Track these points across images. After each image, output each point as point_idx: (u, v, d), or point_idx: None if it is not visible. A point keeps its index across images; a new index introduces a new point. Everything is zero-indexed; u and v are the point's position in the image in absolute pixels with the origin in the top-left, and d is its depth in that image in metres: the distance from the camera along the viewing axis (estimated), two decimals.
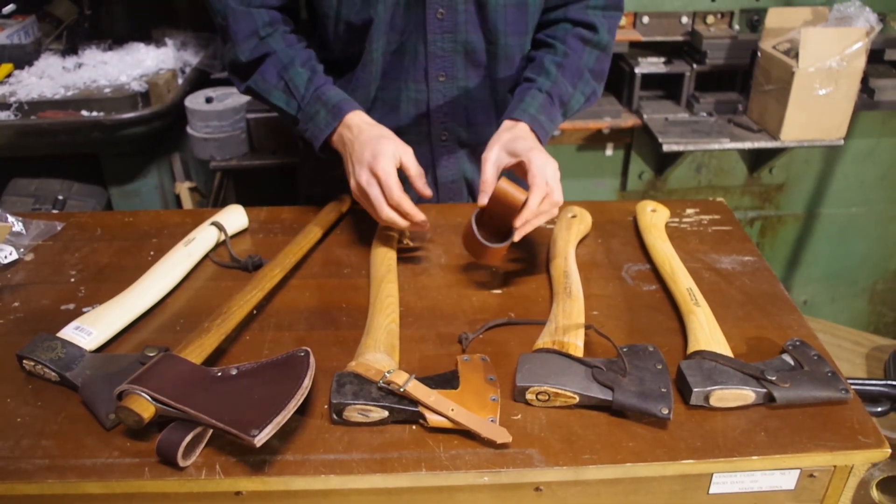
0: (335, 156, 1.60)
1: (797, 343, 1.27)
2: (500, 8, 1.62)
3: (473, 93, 1.75)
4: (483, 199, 1.44)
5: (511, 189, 1.43)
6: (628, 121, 2.98)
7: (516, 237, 1.42)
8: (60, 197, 2.83)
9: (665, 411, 1.12)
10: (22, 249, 1.56)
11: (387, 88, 1.72)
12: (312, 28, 1.75)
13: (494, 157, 1.46)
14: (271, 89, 1.62)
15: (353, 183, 1.52)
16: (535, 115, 1.57)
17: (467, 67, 1.70)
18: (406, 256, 1.57)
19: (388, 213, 1.47)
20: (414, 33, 1.63)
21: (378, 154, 1.47)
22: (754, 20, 2.97)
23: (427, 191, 1.54)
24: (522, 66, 1.75)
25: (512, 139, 1.48)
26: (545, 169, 1.42)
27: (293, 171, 2.74)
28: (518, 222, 1.41)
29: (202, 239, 1.55)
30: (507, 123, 1.56)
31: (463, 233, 1.50)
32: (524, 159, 1.43)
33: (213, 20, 1.65)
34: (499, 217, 1.46)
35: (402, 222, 1.49)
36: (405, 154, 1.51)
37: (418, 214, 1.49)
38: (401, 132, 1.75)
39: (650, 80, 3.04)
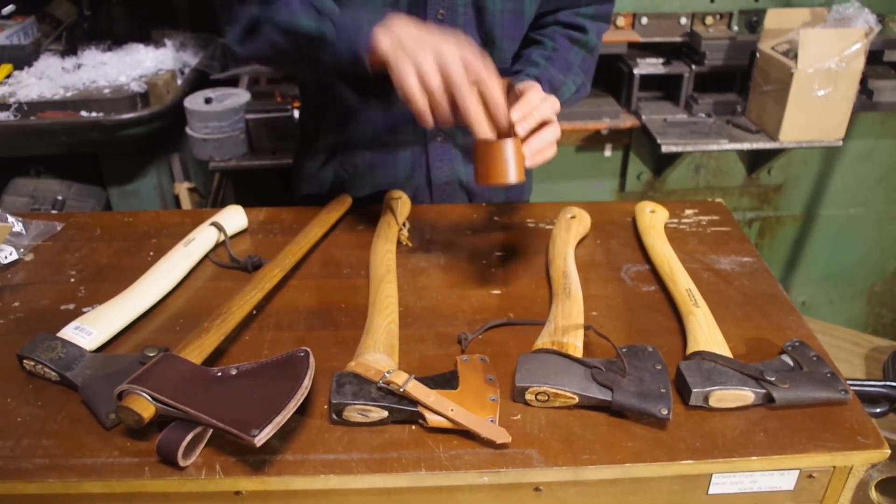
0: (380, 77, 1.40)
1: (796, 344, 1.27)
2: (497, 13, 1.62)
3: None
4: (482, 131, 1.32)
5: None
6: (627, 122, 2.98)
7: (520, 129, 1.32)
8: (60, 197, 2.84)
9: (664, 412, 1.12)
10: (22, 249, 1.56)
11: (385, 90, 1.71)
12: None
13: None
14: (297, 15, 1.41)
15: (423, 58, 1.27)
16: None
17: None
18: (405, 257, 1.57)
19: (473, 103, 1.27)
20: None
21: (464, 42, 1.29)
22: (753, 21, 2.98)
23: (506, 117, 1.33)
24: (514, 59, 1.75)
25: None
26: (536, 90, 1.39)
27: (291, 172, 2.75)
28: (516, 114, 1.32)
29: (202, 239, 1.55)
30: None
31: (475, 159, 1.35)
32: (523, 91, 1.38)
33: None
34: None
35: (477, 121, 1.29)
36: (483, 68, 1.30)
37: (503, 109, 1.31)
38: (396, 132, 1.75)
39: (649, 81, 3.04)
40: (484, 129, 1.29)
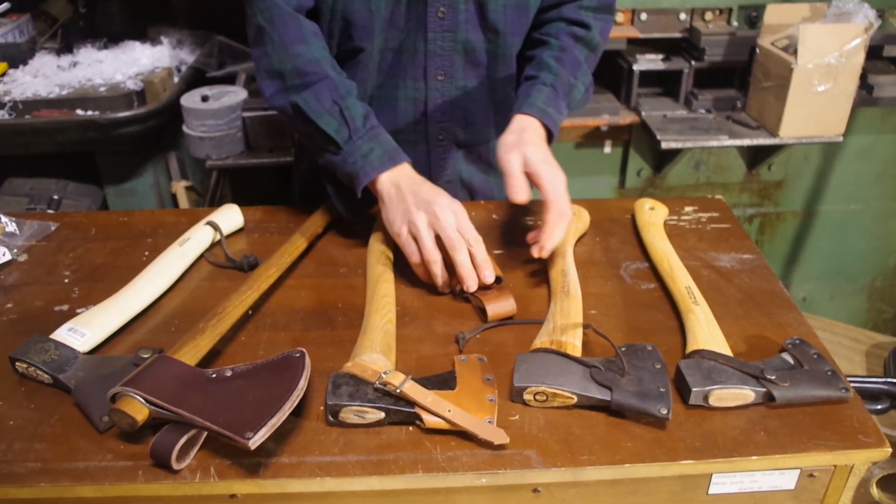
0: (368, 196, 1.54)
1: (797, 342, 1.27)
2: (500, 8, 1.62)
3: (472, 93, 1.74)
4: (521, 196, 1.45)
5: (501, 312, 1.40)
6: (626, 118, 2.97)
7: (545, 254, 1.45)
8: (56, 196, 2.83)
9: (664, 411, 1.11)
10: (15, 250, 1.55)
11: (385, 86, 1.70)
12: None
13: (515, 161, 1.46)
14: (322, 112, 1.50)
15: (415, 212, 1.43)
16: (544, 108, 1.57)
17: (466, 67, 1.70)
18: (403, 256, 1.56)
19: (464, 258, 1.40)
20: (414, 31, 1.63)
21: (456, 204, 1.46)
22: (753, 16, 2.97)
23: (490, 276, 1.42)
24: (520, 66, 1.74)
25: (526, 142, 1.49)
26: (557, 185, 1.46)
27: (289, 170, 2.73)
28: (545, 242, 1.44)
29: (197, 239, 1.54)
30: (517, 119, 1.56)
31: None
32: (535, 172, 1.45)
33: (250, 22, 1.56)
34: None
35: (466, 277, 1.40)
36: (470, 228, 1.45)
37: (489, 270, 1.42)
38: (398, 131, 1.74)
39: (648, 77, 3.03)
40: (472, 285, 1.41)
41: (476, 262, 1.41)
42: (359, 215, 1.65)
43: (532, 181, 1.47)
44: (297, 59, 1.51)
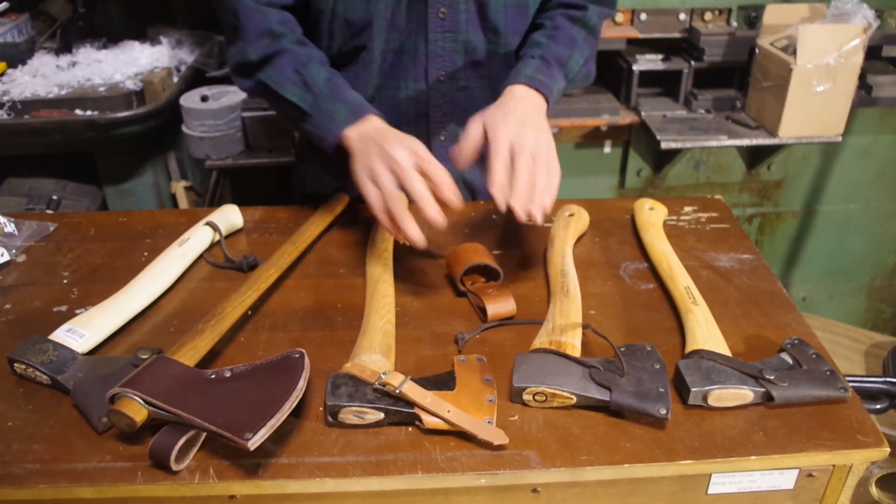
0: (342, 156, 1.53)
1: (796, 342, 1.27)
2: (500, 8, 1.62)
3: (473, 93, 1.74)
4: (458, 163, 1.44)
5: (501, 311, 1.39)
6: (626, 118, 2.98)
7: (520, 216, 1.34)
8: (55, 196, 2.82)
9: (663, 411, 1.11)
10: (14, 250, 1.55)
11: (386, 87, 1.71)
12: (310, 23, 1.72)
13: (473, 127, 1.45)
14: (286, 83, 1.54)
15: (377, 164, 1.39)
16: (531, 75, 1.55)
17: (467, 67, 1.70)
18: (402, 256, 1.56)
19: (422, 190, 1.35)
20: (415, 32, 1.63)
21: (415, 142, 1.41)
22: (752, 17, 2.97)
23: (457, 201, 1.38)
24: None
25: (493, 109, 1.47)
26: (499, 127, 1.41)
27: (289, 170, 2.74)
28: (498, 194, 1.35)
29: (196, 239, 1.54)
30: (507, 93, 1.54)
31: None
32: (488, 131, 1.42)
33: (221, 19, 1.61)
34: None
35: (433, 207, 1.35)
36: (432, 161, 1.40)
37: (452, 189, 1.36)
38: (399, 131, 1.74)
39: (648, 78, 3.03)
40: (433, 212, 1.35)
41: (435, 185, 1.37)
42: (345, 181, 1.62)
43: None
44: (259, 50, 1.55)
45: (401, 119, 1.73)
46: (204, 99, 2.75)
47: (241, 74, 1.61)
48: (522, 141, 1.39)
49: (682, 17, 2.95)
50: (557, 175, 1.41)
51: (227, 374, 1.12)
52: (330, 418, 1.12)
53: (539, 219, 1.34)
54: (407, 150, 1.38)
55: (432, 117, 1.74)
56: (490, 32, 1.65)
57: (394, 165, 1.37)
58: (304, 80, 1.53)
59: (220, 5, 1.59)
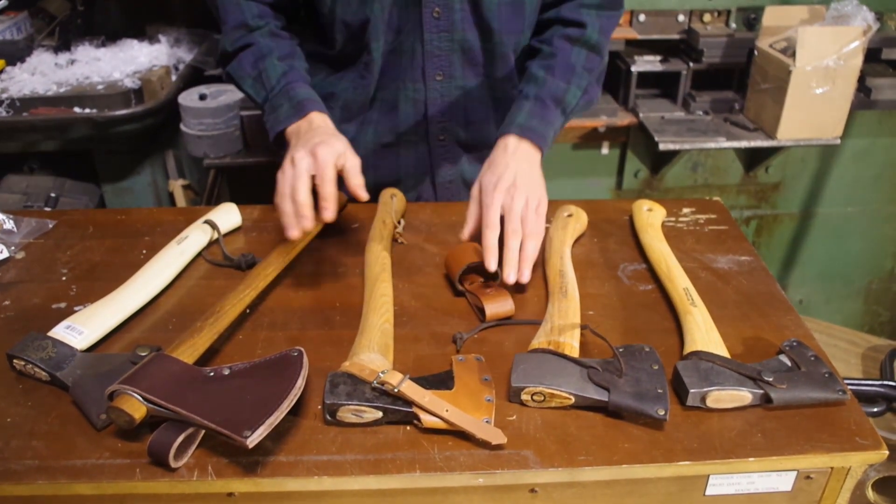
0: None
1: (794, 343, 1.27)
2: (494, 7, 1.61)
3: (471, 92, 1.74)
4: (464, 234, 1.48)
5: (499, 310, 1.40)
6: (624, 119, 2.98)
7: (510, 280, 1.41)
8: (53, 194, 2.82)
9: (661, 412, 1.11)
10: (13, 247, 1.55)
11: (385, 88, 1.71)
12: (312, 24, 1.73)
13: (473, 195, 1.50)
14: (245, 77, 1.61)
15: (285, 161, 1.43)
16: (523, 123, 1.55)
17: (464, 66, 1.70)
18: (401, 255, 1.56)
19: (302, 195, 1.38)
20: (411, 33, 1.63)
21: (324, 143, 1.41)
22: (751, 18, 2.97)
23: (363, 193, 1.44)
24: (520, 63, 1.74)
25: (486, 171, 1.51)
26: (489, 196, 1.45)
27: None
28: (505, 269, 1.41)
29: (195, 237, 1.54)
30: (500, 144, 1.56)
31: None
32: (482, 199, 1.47)
33: (212, 12, 1.67)
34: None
35: (306, 212, 1.38)
36: (351, 157, 1.43)
37: (330, 209, 1.39)
38: (399, 132, 1.75)
39: (646, 79, 3.03)
40: (328, 214, 1.39)
41: (346, 177, 1.42)
42: None
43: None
44: (234, 43, 1.62)
45: (400, 119, 1.73)
46: (202, 97, 2.75)
47: (222, 64, 1.69)
48: (512, 206, 1.44)
49: (681, 18, 2.96)
50: (542, 234, 1.47)
51: (226, 372, 1.12)
52: (328, 417, 1.12)
53: (524, 281, 1.43)
54: (332, 152, 1.40)
55: (431, 117, 1.74)
56: (485, 31, 1.65)
57: (314, 163, 1.40)
58: (260, 73, 1.59)
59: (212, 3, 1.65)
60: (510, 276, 1.40)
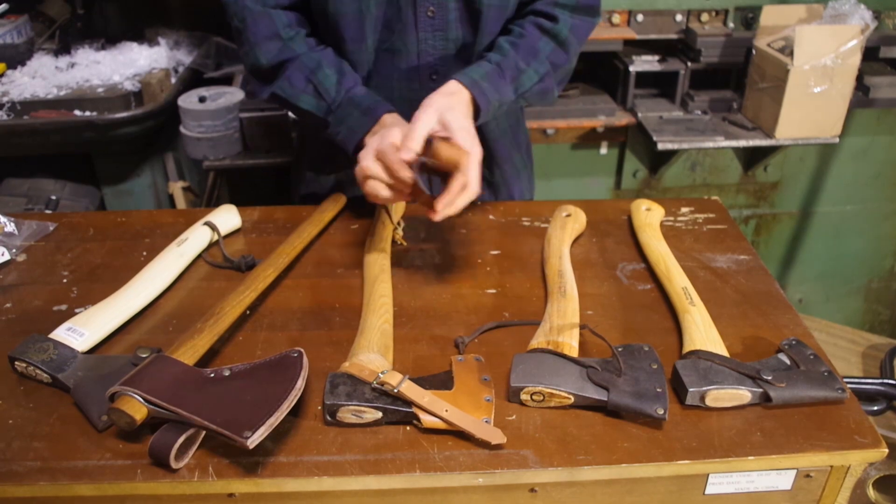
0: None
1: (793, 342, 1.27)
2: (485, 8, 1.62)
3: None
4: (405, 154, 1.36)
5: (446, 149, 1.37)
6: (623, 119, 2.98)
7: (437, 218, 1.37)
8: (53, 197, 2.82)
9: (660, 411, 1.12)
10: (14, 250, 1.55)
11: (380, 87, 1.71)
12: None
13: (426, 120, 1.40)
14: (299, 94, 1.58)
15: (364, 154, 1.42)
16: (477, 80, 1.53)
17: (458, 65, 1.70)
18: (400, 256, 1.56)
19: (381, 173, 1.38)
20: (405, 32, 1.63)
21: (388, 133, 1.39)
22: (749, 18, 2.97)
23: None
24: None
25: (448, 107, 1.44)
26: (472, 156, 1.39)
27: (287, 171, 2.73)
28: (439, 206, 1.36)
29: (195, 239, 1.54)
30: (448, 84, 1.52)
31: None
32: (454, 138, 1.39)
33: (229, 23, 1.62)
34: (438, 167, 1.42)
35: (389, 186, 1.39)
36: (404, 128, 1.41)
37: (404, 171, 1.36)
38: None
39: (644, 79, 3.03)
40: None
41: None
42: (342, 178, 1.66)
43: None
44: (269, 55, 1.58)
45: None
46: (202, 100, 2.75)
47: (258, 79, 1.65)
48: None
49: (679, 18, 2.96)
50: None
51: (226, 373, 1.13)
52: (328, 417, 1.12)
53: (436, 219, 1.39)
54: (397, 133, 1.38)
55: None
56: (477, 31, 1.65)
57: (379, 153, 1.38)
58: (316, 88, 1.57)
59: (227, 9, 1.61)
60: (439, 213, 1.37)
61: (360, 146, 1.53)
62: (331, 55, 1.61)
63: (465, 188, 1.37)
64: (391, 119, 1.53)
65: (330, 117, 1.58)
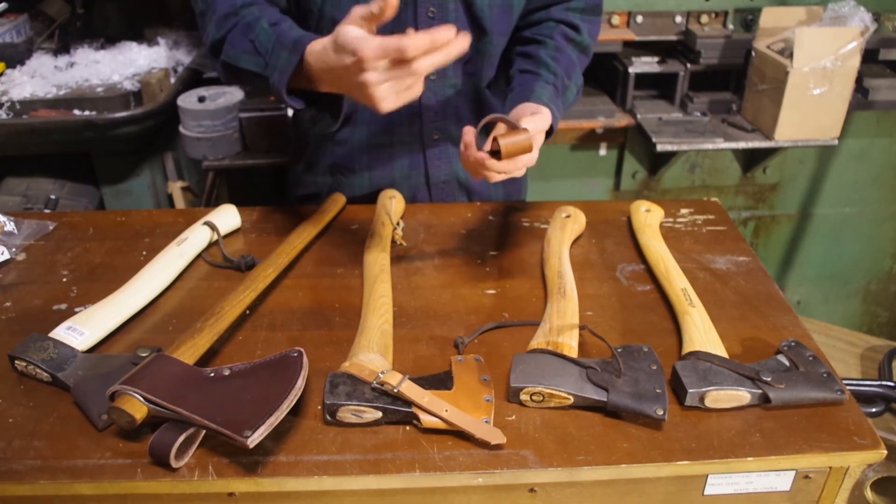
0: (316, 101, 1.47)
1: (792, 344, 1.27)
2: (486, 7, 1.62)
3: (463, 91, 1.75)
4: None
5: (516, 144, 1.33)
6: (622, 120, 2.98)
7: (495, 174, 1.36)
8: (53, 196, 2.82)
9: (660, 412, 1.12)
10: (14, 249, 1.55)
11: None
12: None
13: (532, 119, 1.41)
14: (240, 55, 1.46)
15: (363, 77, 1.25)
16: (549, 104, 1.54)
17: (457, 66, 1.70)
18: (399, 256, 1.56)
19: (417, 44, 1.22)
20: (404, 31, 1.62)
21: (352, 40, 1.24)
22: (748, 20, 2.98)
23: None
24: (503, 65, 1.77)
25: (529, 117, 1.43)
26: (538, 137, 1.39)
27: (286, 171, 2.74)
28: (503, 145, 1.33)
29: (195, 239, 1.54)
30: (529, 106, 1.49)
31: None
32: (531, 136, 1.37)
33: (194, 7, 1.57)
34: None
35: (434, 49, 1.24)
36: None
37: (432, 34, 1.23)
38: (393, 133, 1.74)
39: (644, 80, 3.04)
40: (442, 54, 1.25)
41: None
42: (339, 111, 1.54)
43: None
44: (223, 27, 1.49)
45: (394, 119, 1.73)
46: (201, 100, 2.75)
47: (214, 57, 1.55)
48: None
49: (679, 19, 2.96)
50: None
51: (226, 373, 1.13)
52: (328, 417, 1.12)
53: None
54: (372, 69, 1.24)
55: (425, 117, 1.74)
56: (477, 31, 1.66)
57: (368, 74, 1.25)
58: (253, 43, 1.45)
59: None
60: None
61: (290, 88, 1.41)
62: (275, 14, 1.50)
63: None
64: (315, 44, 1.36)
65: (267, 70, 1.42)
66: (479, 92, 1.77)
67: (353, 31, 1.25)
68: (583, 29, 1.71)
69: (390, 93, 1.27)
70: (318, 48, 1.34)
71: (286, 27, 1.45)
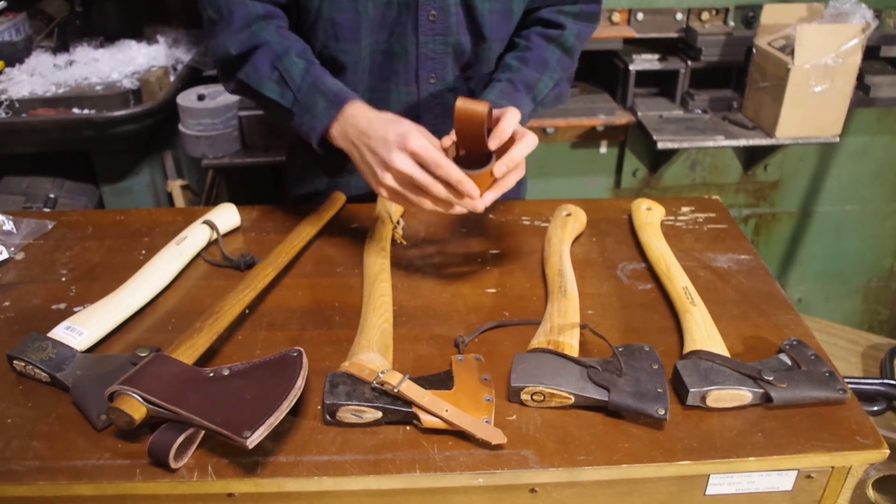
0: (334, 153, 1.52)
1: (794, 342, 1.27)
2: (486, 13, 1.61)
3: (461, 94, 1.74)
4: (493, 143, 1.34)
5: (470, 104, 1.30)
6: (622, 118, 2.97)
7: (497, 172, 1.33)
8: (52, 195, 2.82)
9: (661, 412, 1.11)
10: (12, 248, 1.55)
11: (376, 90, 1.70)
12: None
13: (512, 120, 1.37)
14: (263, 80, 1.50)
15: (381, 174, 1.35)
16: (494, 100, 1.54)
17: (456, 70, 1.70)
18: (399, 255, 1.56)
19: (441, 192, 1.31)
20: (404, 34, 1.62)
21: (405, 132, 1.32)
22: (749, 16, 2.97)
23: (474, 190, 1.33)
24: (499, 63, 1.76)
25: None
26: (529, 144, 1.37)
27: (285, 169, 2.73)
28: (497, 171, 1.32)
29: (194, 238, 1.54)
30: None
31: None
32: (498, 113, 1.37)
33: (202, 14, 1.57)
34: (470, 142, 1.36)
35: (457, 200, 1.32)
36: (427, 133, 1.37)
37: (469, 184, 1.31)
38: None
39: (645, 77, 3.03)
40: (456, 207, 1.35)
41: (452, 184, 1.31)
42: (339, 171, 1.62)
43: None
44: (239, 43, 1.51)
45: None
46: (201, 98, 2.75)
47: (224, 73, 1.59)
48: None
49: (679, 16, 2.96)
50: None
51: (226, 373, 1.12)
52: (328, 417, 1.12)
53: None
54: (403, 154, 1.32)
55: (423, 119, 1.73)
56: (477, 36, 1.65)
57: (398, 176, 1.34)
58: (281, 74, 1.49)
59: (201, 1, 1.55)
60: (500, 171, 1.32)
61: (324, 137, 1.48)
62: (300, 44, 1.55)
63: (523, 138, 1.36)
64: (360, 108, 1.45)
65: (295, 107, 1.49)
66: (476, 95, 1.77)
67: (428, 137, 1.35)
68: (568, 28, 1.69)
69: (394, 191, 1.37)
70: (361, 110, 1.43)
71: (319, 71, 1.51)
